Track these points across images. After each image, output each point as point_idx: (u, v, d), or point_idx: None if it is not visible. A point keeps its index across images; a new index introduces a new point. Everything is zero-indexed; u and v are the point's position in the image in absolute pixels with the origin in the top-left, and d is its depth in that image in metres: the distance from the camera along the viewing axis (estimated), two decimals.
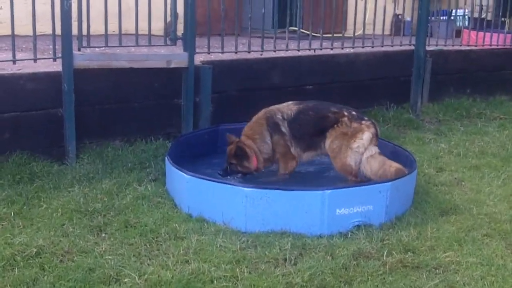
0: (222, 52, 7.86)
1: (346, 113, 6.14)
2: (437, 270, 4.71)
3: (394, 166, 5.94)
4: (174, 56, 7.22)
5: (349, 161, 6.02)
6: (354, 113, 6.19)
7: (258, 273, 4.56)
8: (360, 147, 6.02)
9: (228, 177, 6.10)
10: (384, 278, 4.57)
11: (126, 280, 4.40)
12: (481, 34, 10.70)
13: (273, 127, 6.18)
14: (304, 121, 6.16)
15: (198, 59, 7.52)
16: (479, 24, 11.01)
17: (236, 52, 7.99)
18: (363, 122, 6.14)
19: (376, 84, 9.11)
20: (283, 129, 6.16)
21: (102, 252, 4.81)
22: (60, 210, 5.52)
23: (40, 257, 4.68)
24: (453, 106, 9.62)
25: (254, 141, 6.19)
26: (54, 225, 5.24)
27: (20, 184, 6.04)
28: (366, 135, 6.07)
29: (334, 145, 6.08)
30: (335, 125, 6.10)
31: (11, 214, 5.43)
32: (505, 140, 8.29)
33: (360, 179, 6.02)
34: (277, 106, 6.30)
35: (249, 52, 8.09)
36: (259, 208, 5.23)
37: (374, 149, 6.07)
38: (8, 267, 4.53)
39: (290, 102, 6.32)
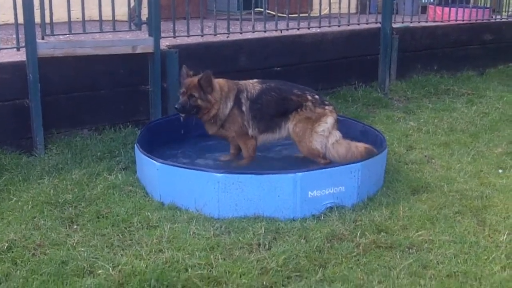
0: (188, 36, 7.79)
1: (309, 97, 6.12)
2: (410, 250, 4.75)
3: (361, 146, 5.99)
4: (139, 41, 7.14)
5: (315, 145, 6.03)
6: (317, 96, 6.18)
7: (233, 260, 4.55)
8: (325, 131, 6.04)
9: (183, 114, 6.05)
10: (358, 260, 4.59)
11: (99, 271, 4.36)
12: (446, 9, 10.73)
13: (237, 103, 6.07)
14: (266, 102, 6.10)
15: (164, 43, 7.45)
16: None
17: (202, 36, 7.93)
18: (326, 107, 6.15)
19: (343, 64, 9.11)
20: (243, 108, 6.07)
21: (74, 244, 4.77)
22: (30, 202, 5.45)
23: (12, 252, 4.62)
24: (421, 83, 9.68)
25: (222, 90, 6.05)
26: (25, 218, 5.18)
27: None
28: (330, 120, 6.08)
29: (298, 128, 6.06)
30: (299, 109, 6.07)
31: None
32: (474, 116, 8.36)
33: (329, 160, 6.02)
34: (245, 82, 6.22)
35: (215, 35, 8.03)
36: (232, 194, 5.22)
37: (338, 134, 6.11)
38: None
39: (255, 80, 6.26)
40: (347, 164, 5.60)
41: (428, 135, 7.54)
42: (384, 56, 9.35)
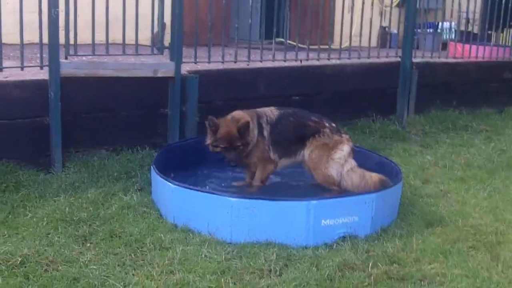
0: (209, 62, 7.86)
1: (327, 124, 6.17)
2: (422, 282, 4.72)
3: (375, 176, 5.99)
4: (160, 65, 7.22)
5: (330, 172, 6.04)
6: (333, 124, 6.24)
7: (243, 284, 4.55)
8: (341, 158, 6.06)
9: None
10: None
11: None
12: (467, 46, 10.76)
13: (259, 127, 6.07)
14: (285, 127, 6.12)
15: (185, 68, 7.53)
16: (465, 36, 11.09)
17: (222, 62, 8.00)
18: (343, 135, 6.21)
19: (362, 96, 9.13)
20: (265, 133, 6.08)
21: (87, 261, 4.79)
22: (45, 219, 5.49)
23: (25, 266, 4.65)
24: (439, 118, 9.67)
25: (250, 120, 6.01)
26: (39, 234, 5.21)
27: (5, 193, 6.00)
28: (346, 148, 6.11)
29: (314, 155, 6.07)
30: (316, 135, 6.10)
31: None
32: (491, 153, 8.33)
33: (343, 189, 6.02)
34: (262, 108, 6.25)
35: (235, 62, 8.09)
36: (245, 219, 5.22)
37: (353, 162, 6.12)
38: None
39: (273, 107, 6.29)
40: (361, 194, 5.60)
41: (445, 170, 7.52)
42: (403, 89, 9.37)
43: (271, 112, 6.19)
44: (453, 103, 10.13)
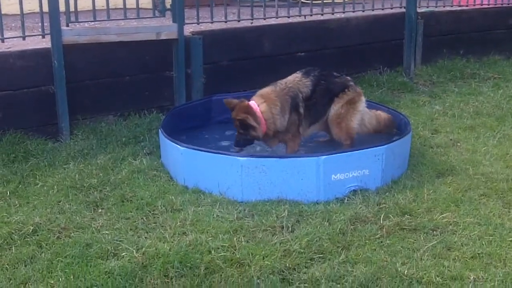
0: (212, 22, 7.78)
1: (349, 78, 6.32)
2: (434, 232, 4.73)
3: (383, 114, 6.43)
4: (163, 28, 7.15)
5: (355, 123, 6.11)
6: (349, 78, 6.34)
7: (256, 242, 4.56)
8: (364, 108, 6.23)
9: (243, 148, 5.89)
10: (381, 242, 4.58)
11: (123, 254, 4.40)
12: None
13: (295, 107, 5.91)
14: (319, 95, 6.02)
15: (188, 30, 7.47)
16: None
17: (225, 22, 7.92)
18: (358, 87, 6.32)
19: (368, 49, 9.03)
20: (301, 110, 5.95)
21: (99, 227, 4.82)
22: (55, 187, 5.51)
23: (37, 235, 4.69)
24: (446, 67, 9.57)
25: (273, 107, 5.79)
26: (50, 203, 5.24)
27: (14, 163, 6.02)
28: (363, 98, 6.25)
29: (343, 110, 6.06)
30: (344, 90, 6.10)
31: (6, 193, 5.42)
32: (500, 100, 8.26)
33: (355, 143, 6.04)
34: (293, 82, 5.98)
35: (238, 21, 8.01)
36: (255, 177, 5.22)
37: (366, 109, 6.34)
38: (5, 246, 4.54)
39: (300, 75, 6.05)
40: (371, 147, 5.58)
41: (454, 119, 7.48)
42: (409, 40, 9.27)
43: (303, 84, 5.97)
44: (460, 51, 10.02)
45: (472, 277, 4.10)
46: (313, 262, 4.33)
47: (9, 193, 5.42)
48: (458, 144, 6.66)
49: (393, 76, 9.01)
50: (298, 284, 4.08)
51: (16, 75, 6.45)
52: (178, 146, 5.55)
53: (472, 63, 9.91)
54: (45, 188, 5.52)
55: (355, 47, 8.91)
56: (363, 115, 6.19)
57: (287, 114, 5.86)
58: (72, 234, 4.71)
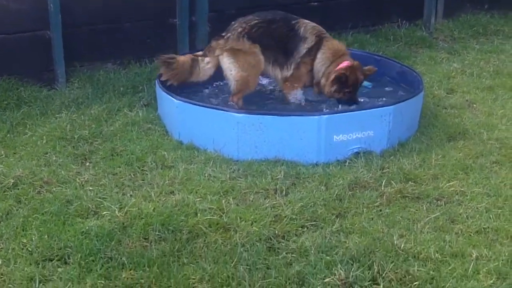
0: None
1: None
2: (438, 202, 4.43)
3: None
4: None
5: None
6: None
7: (246, 205, 4.30)
8: None
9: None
10: (380, 210, 4.30)
11: (104, 212, 4.18)
12: None
13: None
14: None
15: None
16: None
17: None
18: None
19: (386, 0, 8.59)
20: None
21: (83, 182, 4.59)
22: (45, 137, 5.26)
23: (17, 189, 4.48)
24: (469, 22, 9.07)
25: None
26: (37, 154, 5.01)
27: (6, 111, 5.76)
28: None
29: None
30: None
31: None
32: None
33: None
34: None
35: None
36: (252, 135, 4.95)
37: None
38: None
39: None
40: (378, 107, 5.24)
41: (472, 78, 7.05)
42: None
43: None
44: (484, 6, 9.49)
45: (474, 255, 3.81)
46: (304, 230, 4.07)
47: None
48: (474, 105, 6.27)
49: (411, 30, 8.54)
50: (285, 253, 3.81)
51: (11, 19, 6.16)
52: (173, 99, 5.25)
53: (497, 18, 9.38)
54: (33, 138, 5.26)
55: None
56: None
57: None
58: (54, 189, 4.48)
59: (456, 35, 8.69)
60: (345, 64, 5.48)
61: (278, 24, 5.75)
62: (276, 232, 3.99)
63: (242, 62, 5.55)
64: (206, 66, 5.68)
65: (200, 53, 5.79)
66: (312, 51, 5.62)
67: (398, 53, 7.76)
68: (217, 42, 5.63)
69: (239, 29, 5.62)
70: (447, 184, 4.63)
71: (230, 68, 5.58)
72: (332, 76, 5.46)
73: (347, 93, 5.50)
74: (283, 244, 3.91)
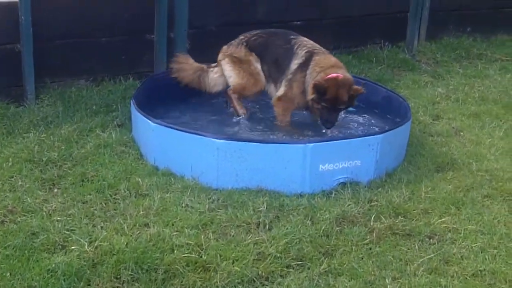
0: None
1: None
2: (431, 240, 4.18)
3: None
4: None
5: None
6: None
7: (227, 241, 4.01)
8: None
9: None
10: (370, 249, 4.04)
11: (73, 247, 3.86)
12: None
13: None
14: None
15: None
16: None
17: None
18: None
19: (369, 21, 8.38)
20: None
21: (50, 211, 4.27)
22: (10, 159, 4.93)
23: None
24: (452, 45, 8.92)
25: None
26: (2, 178, 4.69)
27: None
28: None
29: None
30: None
31: None
32: (507, 85, 7.63)
33: None
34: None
35: None
36: (233, 162, 4.66)
37: None
38: None
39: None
40: (366, 136, 4.99)
41: (457, 104, 6.86)
42: (414, 14, 8.60)
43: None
44: (467, 29, 9.37)
45: None
46: (290, 270, 3.79)
47: None
48: (461, 133, 6.06)
49: (394, 52, 8.36)
50: None
51: None
52: (149, 121, 4.95)
53: (479, 42, 9.26)
54: None
55: (356, 19, 8.26)
56: None
57: None
58: (19, 218, 4.15)
59: (439, 58, 8.54)
60: (331, 75, 5.22)
61: (277, 37, 5.78)
62: (260, 272, 3.71)
63: (238, 69, 5.66)
64: (215, 75, 5.80)
65: (214, 64, 5.85)
66: (304, 68, 5.40)
67: (380, 75, 7.58)
68: (222, 48, 5.79)
69: (241, 37, 5.81)
70: (439, 220, 4.39)
71: (230, 75, 5.72)
72: (312, 83, 5.23)
73: (324, 108, 5.23)
74: (267, 286, 3.63)
